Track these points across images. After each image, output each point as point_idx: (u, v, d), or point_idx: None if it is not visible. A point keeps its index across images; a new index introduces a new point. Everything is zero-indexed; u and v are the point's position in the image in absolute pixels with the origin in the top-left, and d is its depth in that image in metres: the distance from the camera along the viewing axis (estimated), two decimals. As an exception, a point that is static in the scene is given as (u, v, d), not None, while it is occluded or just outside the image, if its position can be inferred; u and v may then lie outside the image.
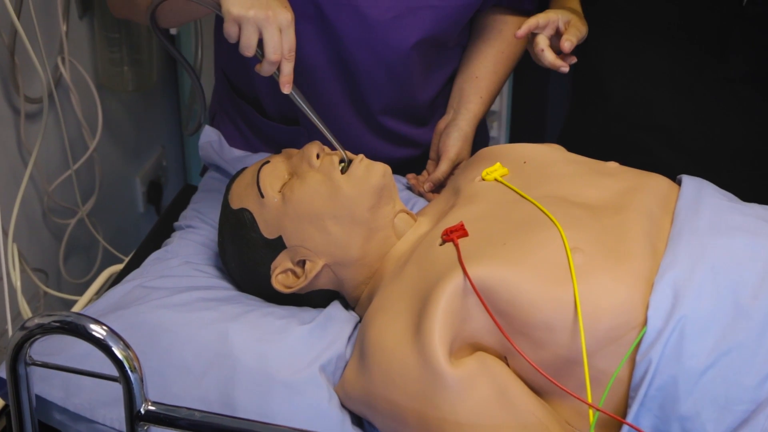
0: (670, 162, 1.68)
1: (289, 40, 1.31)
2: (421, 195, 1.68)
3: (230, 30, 1.30)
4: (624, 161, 1.51)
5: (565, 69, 1.55)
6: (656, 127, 1.74)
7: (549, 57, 1.53)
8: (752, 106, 1.69)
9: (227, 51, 1.71)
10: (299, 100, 1.39)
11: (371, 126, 1.68)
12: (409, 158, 1.75)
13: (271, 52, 1.30)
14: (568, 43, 1.52)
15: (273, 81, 1.60)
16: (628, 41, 1.71)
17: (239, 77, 1.72)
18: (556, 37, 1.54)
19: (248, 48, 1.30)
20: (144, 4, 1.43)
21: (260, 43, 1.31)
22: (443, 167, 1.66)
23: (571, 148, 1.58)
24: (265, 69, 1.32)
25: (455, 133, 1.68)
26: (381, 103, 1.65)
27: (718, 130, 1.71)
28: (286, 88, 1.35)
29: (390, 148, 1.72)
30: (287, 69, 1.33)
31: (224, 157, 1.73)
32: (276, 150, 1.71)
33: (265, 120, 1.71)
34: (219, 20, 1.72)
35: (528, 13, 1.72)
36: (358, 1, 1.52)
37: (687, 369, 1.16)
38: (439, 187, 1.69)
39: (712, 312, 1.18)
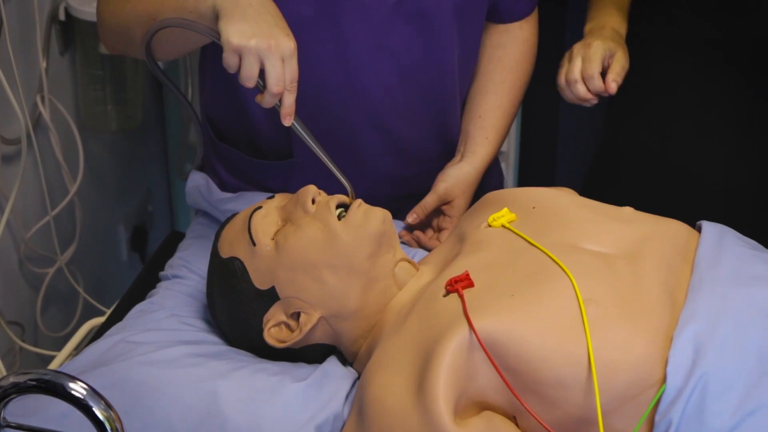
0: (696, 200, 1.70)
1: (292, 70, 1.32)
2: (422, 246, 1.68)
3: (230, 60, 1.30)
4: (650, 200, 1.52)
5: (594, 101, 1.57)
6: (698, 161, 1.75)
7: (581, 91, 1.58)
8: None
9: (211, 89, 1.72)
10: (301, 131, 1.40)
11: (391, 144, 1.67)
12: (419, 176, 1.73)
13: (274, 83, 1.31)
14: (614, 84, 1.56)
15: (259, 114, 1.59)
16: (681, 67, 1.73)
17: (224, 114, 1.72)
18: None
19: (249, 79, 1.31)
20: (139, 37, 1.44)
21: (261, 73, 1.32)
22: (428, 199, 1.67)
23: (599, 186, 1.58)
24: (266, 101, 1.33)
25: (451, 170, 1.68)
26: (391, 105, 1.63)
27: (742, 167, 1.72)
28: (287, 121, 1.36)
29: (400, 165, 1.71)
30: (289, 101, 1.34)
31: (213, 200, 1.73)
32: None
33: (254, 160, 1.71)
34: (204, 62, 1.72)
35: (524, 15, 1.73)
36: None
37: (710, 430, 1.15)
38: (425, 227, 1.69)
39: (736, 368, 1.18)
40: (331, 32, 1.54)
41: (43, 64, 2.00)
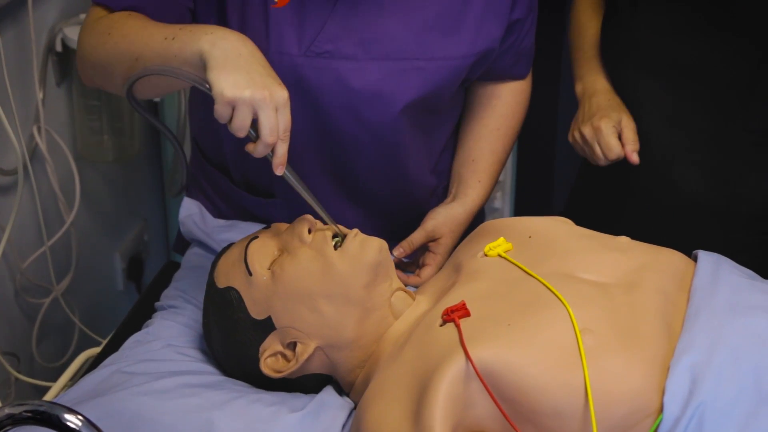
0: (687, 225, 1.73)
1: (285, 120, 1.29)
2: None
3: (223, 112, 1.26)
4: (639, 221, 1.52)
5: (635, 161, 1.68)
6: (673, 184, 1.77)
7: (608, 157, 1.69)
8: None
9: (199, 119, 1.72)
10: (292, 179, 1.38)
11: (358, 202, 1.68)
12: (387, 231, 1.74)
13: (268, 134, 1.27)
14: (635, 155, 1.67)
15: (242, 152, 1.59)
16: (647, 89, 1.75)
17: (210, 144, 1.72)
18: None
19: (241, 129, 1.28)
20: (119, 76, 1.39)
21: (253, 123, 1.29)
22: (416, 235, 1.66)
23: (580, 212, 1.59)
24: (259, 151, 1.30)
25: (442, 209, 1.68)
26: (369, 176, 1.64)
27: (739, 188, 1.73)
28: (279, 170, 1.32)
29: (369, 218, 1.71)
30: (281, 150, 1.31)
31: (208, 229, 1.73)
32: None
33: (242, 192, 1.71)
34: (193, 89, 1.72)
35: (521, 77, 1.74)
36: (339, 64, 1.52)
37: (707, 459, 1.15)
38: (411, 264, 1.69)
39: (733, 398, 1.18)
40: (306, 97, 1.53)
41: (40, 95, 2.01)
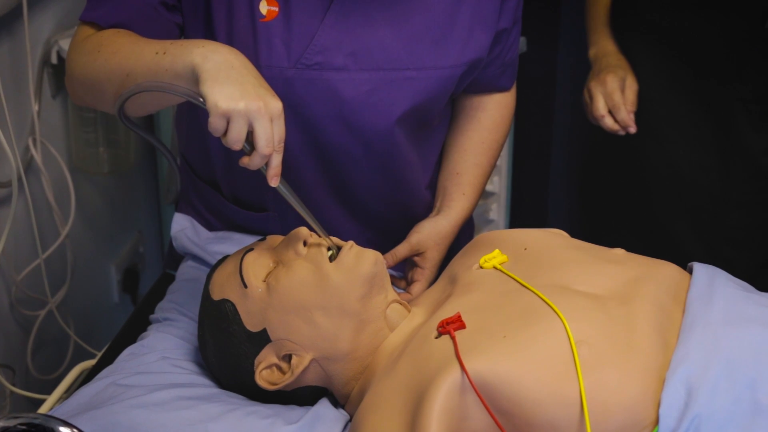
0: (676, 185, 1.98)
1: (280, 131, 1.28)
2: None
3: (218, 125, 1.25)
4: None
5: (633, 129, 1.87)
6: (666, 146, 1.99)
7: (609, 123, 1.88)
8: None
9: (186, 135, 1.72)
10: (287, 192, 1.38)
11: (355, 215, 1.68)
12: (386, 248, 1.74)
13: (264, 145, 1.27)
14: (631, 116, 1.88)
15: (234, 168, 1.58)
16: (649, 56, 1.96)
17: (199, 160, 1.72)
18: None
19: (237, 142, 1.27)
20: (110, 93, 1.39)
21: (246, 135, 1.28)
22: (400, 248, 1.65)
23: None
24: (255, 162, 1.29)
25: (426, 222, 1.68)
26: (365, 189, 1.65)
27: (729, 148, 1.94)
28: (274, 182, 1.32)
29: (366, 234, 1.71)
30: (276, 161, 1.30)
31: (201, 241, 1.73)
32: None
33: (233, 207, 1.71)
34: (180, 104, 1.71)
35: (506, 89, 1.74)
36: (330, 75, 1.52)
37: (703, 471, 1.15)
38: (400, 268, 1.69)
39: (729, 410, 1.18)
40: (297, 109, 1.53)
41: (35, 107, 2.01)
